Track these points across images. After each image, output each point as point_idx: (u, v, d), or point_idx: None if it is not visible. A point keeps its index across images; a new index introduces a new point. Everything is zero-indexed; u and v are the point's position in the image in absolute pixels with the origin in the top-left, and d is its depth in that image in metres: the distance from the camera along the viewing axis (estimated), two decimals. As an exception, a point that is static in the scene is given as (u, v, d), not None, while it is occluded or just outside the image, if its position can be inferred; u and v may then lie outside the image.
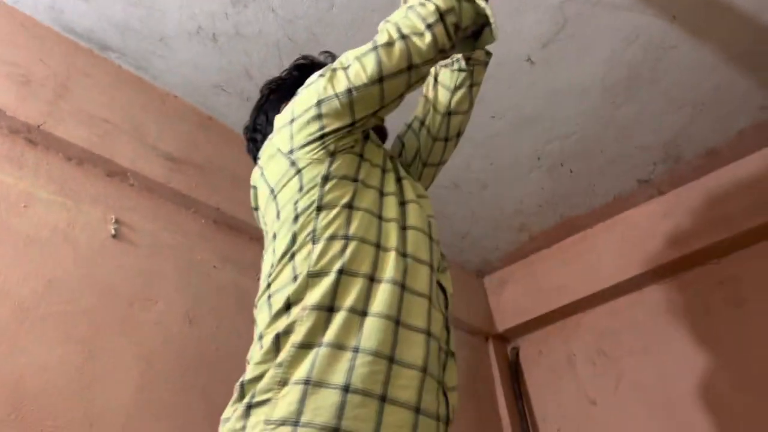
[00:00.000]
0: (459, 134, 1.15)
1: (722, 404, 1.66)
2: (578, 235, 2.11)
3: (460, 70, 1.11)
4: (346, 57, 0.92)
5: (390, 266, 0.83)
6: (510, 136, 1.76)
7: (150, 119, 1.42)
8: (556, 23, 1.48)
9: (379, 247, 0.85)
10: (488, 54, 1.12)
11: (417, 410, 0.77)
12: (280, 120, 0.96)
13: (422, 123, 1.15)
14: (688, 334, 1.81)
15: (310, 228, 0.84)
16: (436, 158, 1.15)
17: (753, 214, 1.76)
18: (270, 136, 0.98)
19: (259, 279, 0.94)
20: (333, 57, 1.18)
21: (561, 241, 2.13)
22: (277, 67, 1.51)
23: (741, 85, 1.63)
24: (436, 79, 1.15)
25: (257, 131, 1.14)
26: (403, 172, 0.99)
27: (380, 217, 0.88)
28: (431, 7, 0.91)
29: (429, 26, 0.90)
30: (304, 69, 1.14)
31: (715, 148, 1.83)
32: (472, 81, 1.11)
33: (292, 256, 0.84)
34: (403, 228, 0.89)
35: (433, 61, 0.93)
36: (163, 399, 1.19)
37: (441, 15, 0.90)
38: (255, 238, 1.52)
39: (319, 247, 0.82)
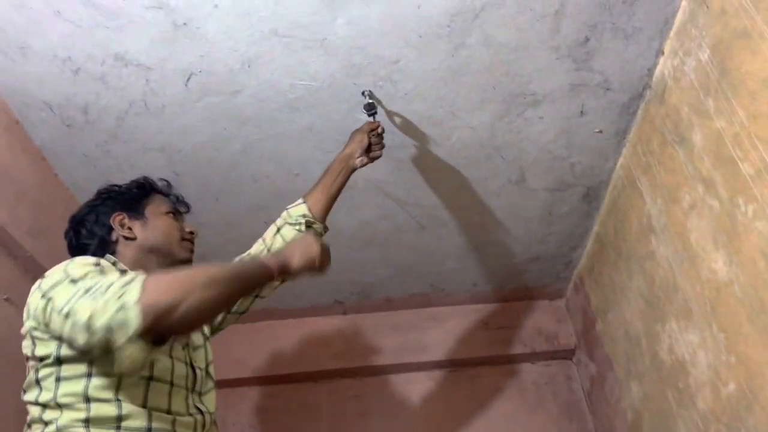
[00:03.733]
0: None
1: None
2: (268, 322, 2.50)
3: (299, 231, 1.45)
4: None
5: None
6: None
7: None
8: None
9: None
10: (325, 229, 1.51)
11: None
12: (36, 290, 1.10)
13: None
14: (323, 430, 2.33)
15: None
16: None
17: (390, 353, 2.41)
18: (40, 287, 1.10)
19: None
20: (169, 184, 1.41)
21: (258, 322, 2.49)
22: (114, 118, 1.59)
23: (422, 267, 2.30)
24: (278, 230, 1.46)
25: (83, 225, 1.28)
26: None
27: None
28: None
29: None
30: (143, 189, 1.35)
31: (390, 297, 2.46)
32: None
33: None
34: None
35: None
36: None
37: None
38: (12, 255, 1.51)
39: None
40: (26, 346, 1.10)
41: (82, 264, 1.10)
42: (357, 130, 1.60)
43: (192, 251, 1.38)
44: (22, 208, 1.52)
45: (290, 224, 1.49)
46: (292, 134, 1.70)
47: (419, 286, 2.41)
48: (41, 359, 1.07)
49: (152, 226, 1.31)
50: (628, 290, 1.90)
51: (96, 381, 1.05)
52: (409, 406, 2.39)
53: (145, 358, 0.94)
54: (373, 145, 1.60)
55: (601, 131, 1.76)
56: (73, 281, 1.03)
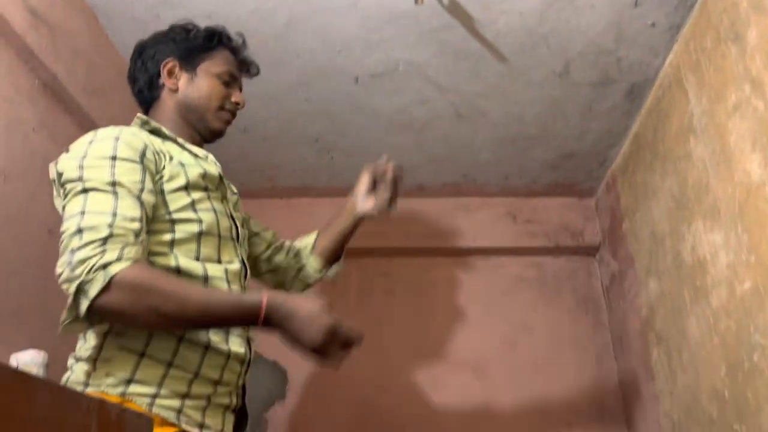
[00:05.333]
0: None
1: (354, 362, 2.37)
2: (304, 199, 2.60)
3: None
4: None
5: None
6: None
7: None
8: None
9: None
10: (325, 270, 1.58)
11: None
12: (54, 168, 1.13)
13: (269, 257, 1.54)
14: (352, 302, 2.48)
15: None
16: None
17: (419, 237, 2.52)
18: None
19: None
20: (244, 42, 1.39)
21: (294, 198, 2.58)
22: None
23: (457, 157, 2.33)
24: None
25: (141, 57, 1.31)
26: None
27: None
28: None
29: None
30: (210, 40, 1.32)
31: (423, 185, 2.52)
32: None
33: None
34: None
35: None
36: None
37: None
38: (68, 110, 1.59)
39: None
40: None
41: (99, 159, 1.08)
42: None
43: (228, 122, 1.35)
44: (77, 66, 1.57)
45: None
46: (337, 9, 1.69)
47: (452, 175, 2.45)
48: None
49: (197, 85, 1.29)
50: (660, 191, 1.92)
51: (153, 238, 1.10)
52: (433, 288, 2.51)
53: (82, 331, 1.03)
54: (378, 185, 1.52)
55: (654, 24, 1.71)
56: (84, 191, 1.04)
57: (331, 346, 1.06)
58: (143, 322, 1.01)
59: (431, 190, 2.53)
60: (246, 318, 1.05)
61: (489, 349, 2.39)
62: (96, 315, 0.97)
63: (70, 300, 0.96)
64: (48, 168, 1.14)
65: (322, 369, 1.85)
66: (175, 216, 1.14)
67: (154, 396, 1.01)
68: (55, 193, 1.15)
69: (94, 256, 0.96)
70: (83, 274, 0.95)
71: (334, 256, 1.59)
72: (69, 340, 1.11)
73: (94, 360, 1.03)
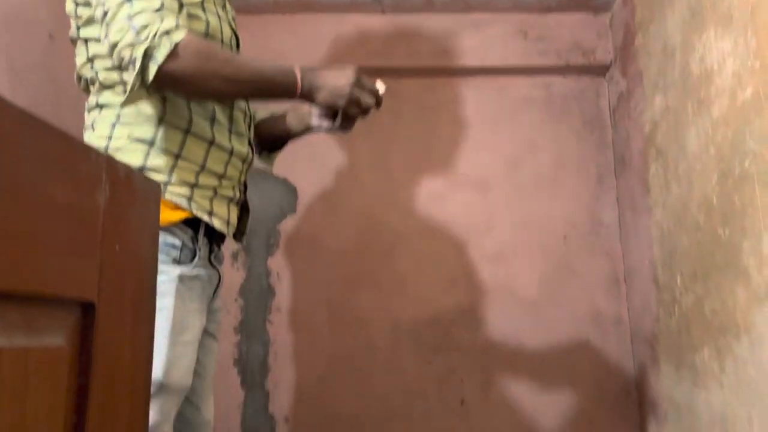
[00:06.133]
0: None
1: (361, 179, 2.46)
2: (307, 15, 2.51)
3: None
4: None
5: None
6: None
7: None
8: None
9: None
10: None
11: None
12: None
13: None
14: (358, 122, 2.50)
15: None
16: None
17: (426, 56, 2.47)
18: None
19: None
20: None
21: (297, 14, 2.50)
22: None
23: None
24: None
25: None
26: None
27: None
28: None
29: None
30: None
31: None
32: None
33: None
34: None
35: None
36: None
37: None
38: None
39: None
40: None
41: None
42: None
43: None
44: None
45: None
46: None
47: (463, -13, 2.34)
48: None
49: None
50: (676, 0, 1.84)
51: None
52: (439, 108, 2.51)
53: (143, 99, 1.03)
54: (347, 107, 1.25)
55: None
56: None
57: (362, 97, 1.22)
58: (206, 88, 1.06)
59: (440, 4, 2.43)
60: (287, 81, 1.12)
61: (493, 167, 2.45)
62: (162, 81, 0.99)
63: (137, 65, 0.97)
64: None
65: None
66: (188, 10, 1.12)
67: (166, 183, 1.09)
68: None
69: (154, 22, 0.97)
70: (149, 39, 0.96)
71: (274, 145, 1.48)
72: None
73: (105, 148, 1.09)
